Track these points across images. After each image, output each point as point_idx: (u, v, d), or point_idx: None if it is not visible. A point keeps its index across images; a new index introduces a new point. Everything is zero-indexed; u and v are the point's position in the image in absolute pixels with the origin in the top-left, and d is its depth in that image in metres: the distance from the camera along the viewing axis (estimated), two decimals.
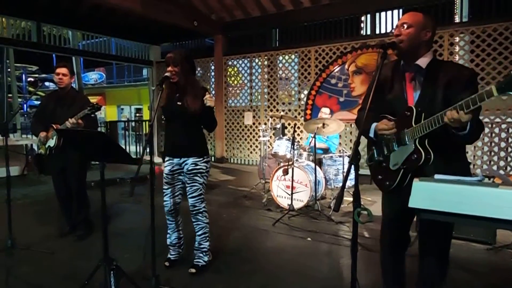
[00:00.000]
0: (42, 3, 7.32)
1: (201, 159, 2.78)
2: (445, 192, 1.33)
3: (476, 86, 1.69)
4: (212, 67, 9.08)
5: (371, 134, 1.94)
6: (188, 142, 2.77)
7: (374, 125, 1.92)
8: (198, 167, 2.77)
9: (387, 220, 2.02)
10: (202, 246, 2.87)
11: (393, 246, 2.02)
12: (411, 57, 1.83)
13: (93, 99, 3.60)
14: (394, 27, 1.86)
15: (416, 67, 1.83)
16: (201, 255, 2.88)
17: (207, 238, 2.89)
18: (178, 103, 2.73)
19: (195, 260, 2.88)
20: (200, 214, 2.82)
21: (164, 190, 2.85)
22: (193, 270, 2.81)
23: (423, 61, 1.81)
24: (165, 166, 2.84)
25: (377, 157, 1.96)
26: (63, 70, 3.52)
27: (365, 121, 1.88)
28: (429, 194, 1.37)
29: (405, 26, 1.78)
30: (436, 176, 1.43)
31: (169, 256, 2.98)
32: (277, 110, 8.00)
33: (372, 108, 1.93)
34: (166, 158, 2.86)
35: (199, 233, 2.86)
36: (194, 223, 2.86)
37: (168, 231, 2.96)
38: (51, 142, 3.51)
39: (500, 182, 1.32)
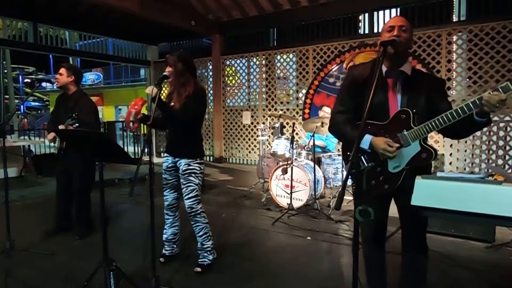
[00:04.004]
0: (39, 4, 7.28)
1: (193, 160, 2.77)
2: (448, 189, 1.33)
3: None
4: (210, 67, 9.06)
5: (365, 146, 1.84)
6: (182, 143, 2.78)
7: (369, 138, 1.83)
8: (191, 167, 2.75)
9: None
10: (205, 246, 2.86)
11: (374, 240, 2.03)
12: (398, 62, 1.85)
13: None
14: (387, 27, 1.81)
15: (399, 73, 1.85)
16: (205, 254, 2.87)
17: (209, 238, 2.88)
18: (170, 104, 2.75)
19: (200, 260, 2.88)
20: (198, 216, 2.80)
21: (163, 186, 2.91)
22: (198, 269, 2.82)
23: (406, 68, 1.86)
24: (163, 162, 2.90)
25: (367, 164, 1.84)
26: (60, 70, 3.54)
27: (346, 126, 1.92)
28: (432, 192, 1.36)
29: (403, 29, 1.78)
30: (439, 174, 1.43)
31: (163, 252, 3.00)
32: (275, 110, 7.99)
33: (347, 111, 1.96)
34: (165, 154, 2.91)
35: (200, 233, 2.84)
36: (194, 225, 2.84)
37: (165, 227, 2.98)
38: (58, 143, 3.56)
39: (503, 180, 1.31)
